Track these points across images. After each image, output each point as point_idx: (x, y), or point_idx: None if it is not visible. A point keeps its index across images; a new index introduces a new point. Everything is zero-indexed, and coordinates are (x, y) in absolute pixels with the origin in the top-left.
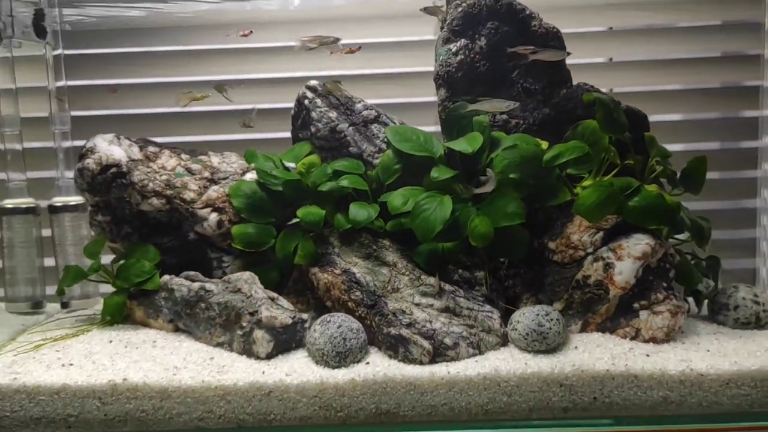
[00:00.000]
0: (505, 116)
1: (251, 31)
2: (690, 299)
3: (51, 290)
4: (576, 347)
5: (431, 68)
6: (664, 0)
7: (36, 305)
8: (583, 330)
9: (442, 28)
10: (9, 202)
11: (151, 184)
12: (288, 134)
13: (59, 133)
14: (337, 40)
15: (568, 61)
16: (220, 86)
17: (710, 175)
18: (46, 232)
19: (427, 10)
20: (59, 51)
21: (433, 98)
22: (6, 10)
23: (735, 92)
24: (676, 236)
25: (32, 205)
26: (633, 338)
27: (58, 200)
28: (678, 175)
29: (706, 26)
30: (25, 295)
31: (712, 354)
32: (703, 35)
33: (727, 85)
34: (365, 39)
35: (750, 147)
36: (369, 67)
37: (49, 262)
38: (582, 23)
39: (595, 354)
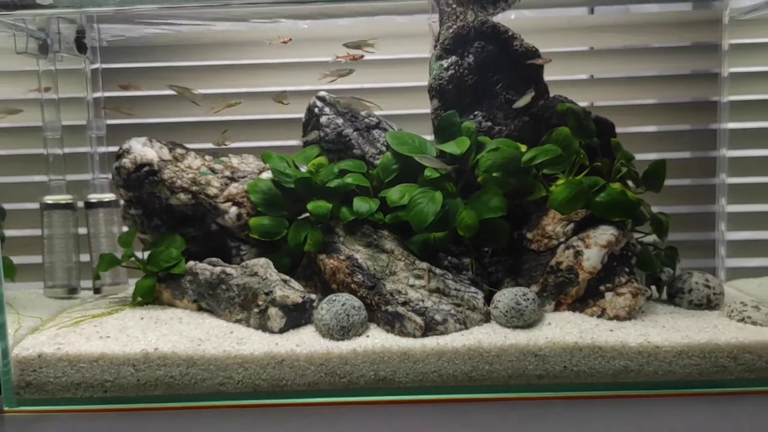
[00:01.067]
0: (489, 123)
1: (290, 39)
2: (653, 287)
3: (84, 284)
4: (549, 323)
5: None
6: (640, 23)
7: (71, 291)
8: (556, 309)
9: (435, 46)
10: (49, 199)
11: (179, 182)
12: (296, 142)
13: (95, 138)
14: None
15: (554, 77)
16: (281, 95)
17: (682, 181)
18: (81, 231)
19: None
20: (97, 65)
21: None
22: (54, 28)
23: (704, 107)
24: (638, 229)
25: (70, 202)
26: (599, 316)
27: (93, 197)
28: (640, 175)
29: (678, 47)
30: (62, 283)
31: (667, 329)
32: (674, 55)
33: (696, 100)
34: (369, 56)
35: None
36: (373, 81)
37: (83, 258)
38: (567, 44)
39: (566, 329)
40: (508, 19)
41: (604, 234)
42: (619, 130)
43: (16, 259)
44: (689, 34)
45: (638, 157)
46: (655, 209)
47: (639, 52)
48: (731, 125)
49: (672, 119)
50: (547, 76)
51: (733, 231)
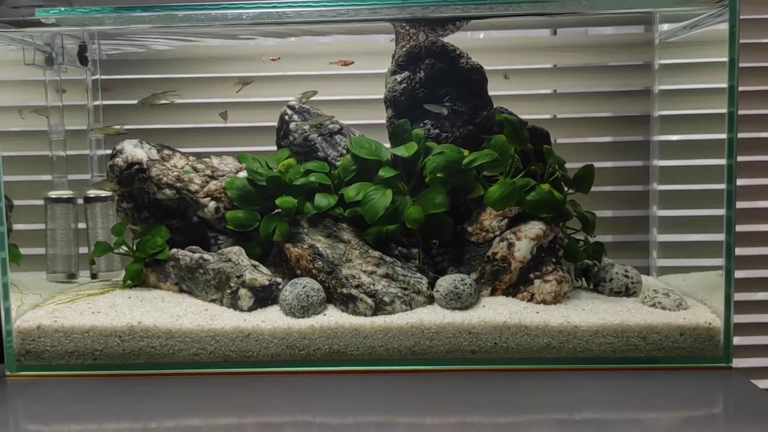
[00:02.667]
0: (437, 131)
1: (279, 58)
2: (583, 279)
3: (82, 273)
4: (484, 306)
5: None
6: (597, 44)
7: (71, 276)
8: (492, 294)
9: (391, 63)
10: (53, 193)
11: (164, 179)
12: (271, 147)
13: (95, 141)
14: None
15: (521, 91)
16: (308, 93)
17: (633, 188)
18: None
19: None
20: (97, 76)
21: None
22: (59, 43)
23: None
24: (570, 226)
25: (71, 196)
26: (529, 300)
27: (92, 193)
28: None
29: (632, 65)
30: (63, 269)
31: (587, 312)
32: (628, 72)
33: (644, 114)
34: (339, 71)
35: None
36: (345, 94)
37: (82, 250)
38: (532, 62)
39: (497, 311)
40: (476, 38)
41: (533, 228)
42: (579, 140)
43: (22, 251)
44: (635, 54)
45: (596, 165)
46: (608, 213)
47: (596, 70)
48: (662, 137)
49: (626, 131)
50: (515, 90)
51: (664, 234)
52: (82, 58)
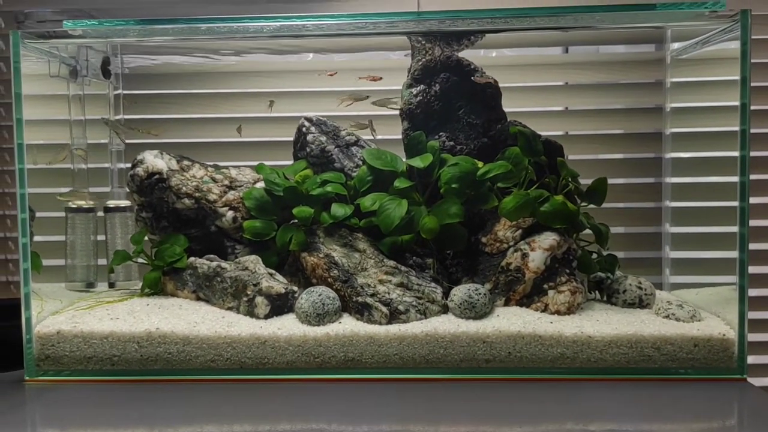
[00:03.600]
0: (452, 143)
1: (336, 72)
2: (596, 291)
3: (100, 284)
4: (498, 316)
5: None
6: (608, 62)
7: (89, 285)
8: (506, 304)
9: (407, 76)
10: (74, 204)
11: (184, 188)
12: (288, 161)
13: (115, 152)
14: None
15: (533, 108)
16: (360, 95)
17: (645, 204)
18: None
19: (378, 102)
20: (119, 90)
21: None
22: (83, 56)
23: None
24: (583, 238)
25: (92, 206)
26: (543, 311)
27: (112, 203)
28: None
29: (643, 83)
30: (82, 278)
31: (601, 323)
32: (640, 90)
33: (657, 131)
34: (360, 87)
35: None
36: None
37: (101, 261)
38: (544, 79)
39: (511, 320)
40: (489, 56)
41: (547, 239)
42: (590, 156)
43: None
44: (647, 72)
45: (608, 181)
46: (620, 229)
47: (608, 87)
48: (674, 155)
49: (638, 148)
50: (527, 107)
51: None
52: (105, 71)
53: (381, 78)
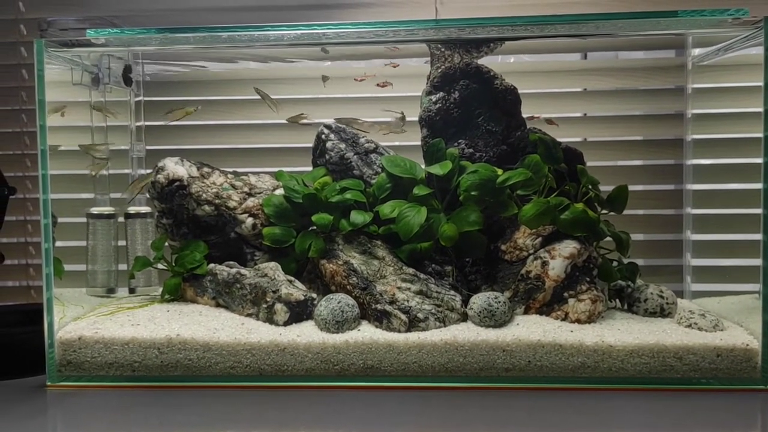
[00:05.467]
0: (471, 150)
1: (389, 84)
2: (617, 300)
3: (120, 289)
4: (518, 324)
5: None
6: (626, 67)
7: (110, 291)
8: (525, 313)
9: (426, 83)
10: (95, 210)
11: (204, 195)
12: (306, 167)
13: (136, 159)
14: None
15: (552, 114)
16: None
17: (665, 211)
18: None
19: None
20: (140, 98)
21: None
22: (105, 63)
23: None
24: (605, 247)
25: (113, 212)
26: (563, 319)
27: (132, 209)
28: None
29: (663, 89)
30: (103, 284)
31: (622, 332)
32: (660, 96)
33: (677, 138)
34: (380, 93)
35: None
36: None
37: (121, 267)
38: (562, 85)
39: (531, 329)
40: (506, 62)
41: (568, 247)
42: (609, 162)
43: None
44: (667, 78)
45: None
46: (639, 236)
47: (627, 94)
48: (695, 161)
49: (658, 155)
50: (545, 114)
51: (698, 258)
52: (127, 78)
53: (390, 84)
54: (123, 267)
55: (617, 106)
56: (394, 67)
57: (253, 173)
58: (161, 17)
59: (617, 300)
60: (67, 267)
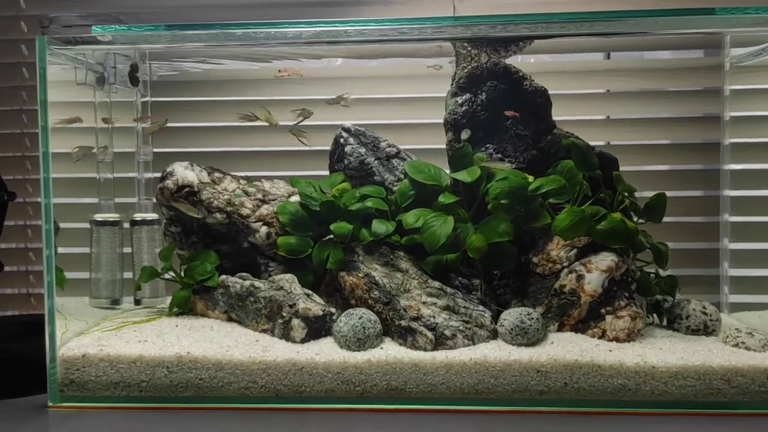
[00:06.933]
0: (499, 155)
1: (295, 74)
2: (654, 315)
3: (125, 299)
4: (552, 342)
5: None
6: (654, 68)
7: (114, 302)
8: (559, 330)
9: (451, 84)
10: (99, 216)
11: (215, 202)
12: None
13: (142, 163)
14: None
15: (573, 117)
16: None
17: (695, 219)
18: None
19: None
20: (147, 98)
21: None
22: (111, 62)
23: (714, 147)
24: (641, 259)
25: (117, 219)
26: (600, 337)
27: (138, 216)
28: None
29: (690, 91)
30: (107, 294)
31: (664, 351)
32: (687, 98)
33: (708, 141)
34: (394, 94)
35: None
36: (395, 118)
37: (126, 275)
38: (585, 86)
39: (567, 348)
40: (527, 62)
41: (605, 260)
42: (633, 168)
43: (66, 275)
44: (700, 79)
45: (651, 193)
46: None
47: (652, 95)
48: (732, 166)
49: (684, 159)
50: (567, 116)
51: (736, 268)
52: (133, 78)
53: (301, 76)
54: (128, 274)
55: (643, 108)
56: (291, 75)
57: (267, 179)
58: (170, 14)
59: (654, 315)
60: (69, 275)
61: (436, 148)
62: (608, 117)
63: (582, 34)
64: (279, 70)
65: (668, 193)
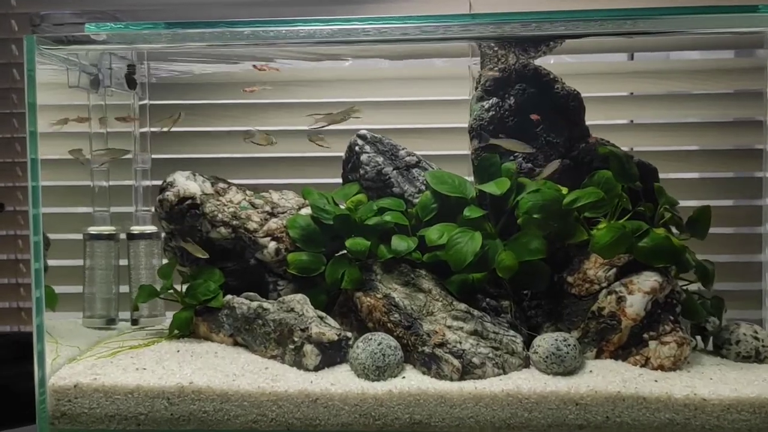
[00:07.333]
0: (530, 164)
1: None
2: (698, 337)
3: (122, 314)
4: (591, 371)
5: (461, 125)
6: (681, 69)
7: (110, 321)
8: (597, 357)
9: (476, 88)
10: (93, 229)
11: (220, 215)
12: (336, 180)
13: (140, 171)
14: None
15: (594, 122)
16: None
17: (725, 230)
18: (122, 263)
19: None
20: (146, 101)
21: (460, 152)
22: (106, 63)
23: (747, 154)
24: (682, 276)
25: (113, 233)
26: (643, 365)
27: (135, 229)
28: (685, 222)
29: (720, 94)
30: (101, 313)
31: (715, 382)
32: (717, 102)
33: (739, 147)
34: (406, 97)
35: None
36: (407, 122)
37: (122, 289)
38: (607, 89)
39: (608, 377)
40: (546, 63)
41: (648, 280)
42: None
43: (58, 289)
44: (732, 81)
45: (680, 203)
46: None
47: (680, 98)
48: None
49: (716, 166)
50: (587, 120)
51: None
52: (131, 80)
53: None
54: (124, 288)
55: (670, 112)
56: (260, 70)
57: (275, 189)
58: (169, 12)
59: (699, 338)
60: (63, 289)
61: (446, 154)
62: (632, 121)
63: (621, 33)
64: (253, 65)
65: (698, 202)
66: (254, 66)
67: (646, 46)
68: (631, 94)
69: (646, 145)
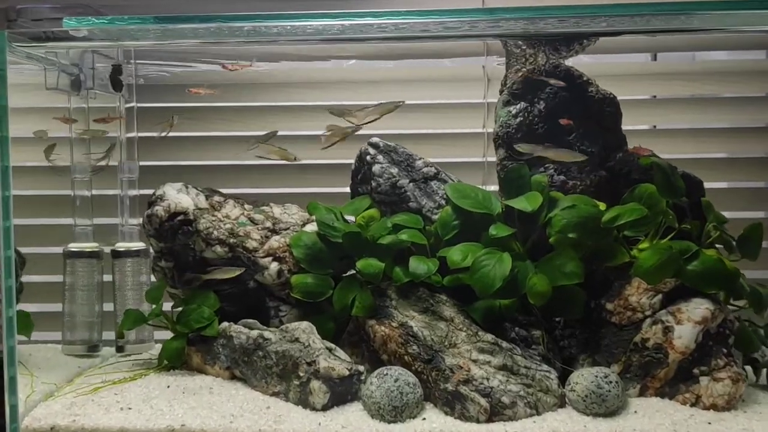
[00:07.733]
0: (562, 177)
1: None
2: (747, 367)
3: (106, 335)
4: (635, 411)
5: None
6: (709, 71)
7: (92, 348)
8: (641, 394)
9: (501, 91)
10: (74, 246)
11: (215, 233)
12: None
13: (126, 181)
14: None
15: None
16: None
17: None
18: (106, 278)
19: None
20: (132, 104)
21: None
22: (89, 63)
23: None
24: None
25: (96, 250)
26: (693, 405)
27: (121, 245)
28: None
29: (752, 97)
30: (83, 339)
31: None
32: (747, 106)
33: None
34: (412, 100)
35: None
36: (413, 127)
37: (106, 307)
38: (628, 92)
39: (656, 419)
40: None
41: (699, 308)
42: None
43: (35, 308)
44: (764, 83)
45: None
46: None
47: (707, 102)
48: None
49: (745, 175)
50: None
51: None
52: (116, 81)
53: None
54: (108, 307)
55: (696, 116)
56: (231, 70)
57: (277, 201)
58: (161, 7)
59: (748, 370)
60: (40, 309)
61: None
62: (654, 126)
63: (668, 31)
64: (223, 66)
65: (727, 214)
66: (223, 66)
67: (670, 45)
68: (654, 97)
69: (669, 152)
